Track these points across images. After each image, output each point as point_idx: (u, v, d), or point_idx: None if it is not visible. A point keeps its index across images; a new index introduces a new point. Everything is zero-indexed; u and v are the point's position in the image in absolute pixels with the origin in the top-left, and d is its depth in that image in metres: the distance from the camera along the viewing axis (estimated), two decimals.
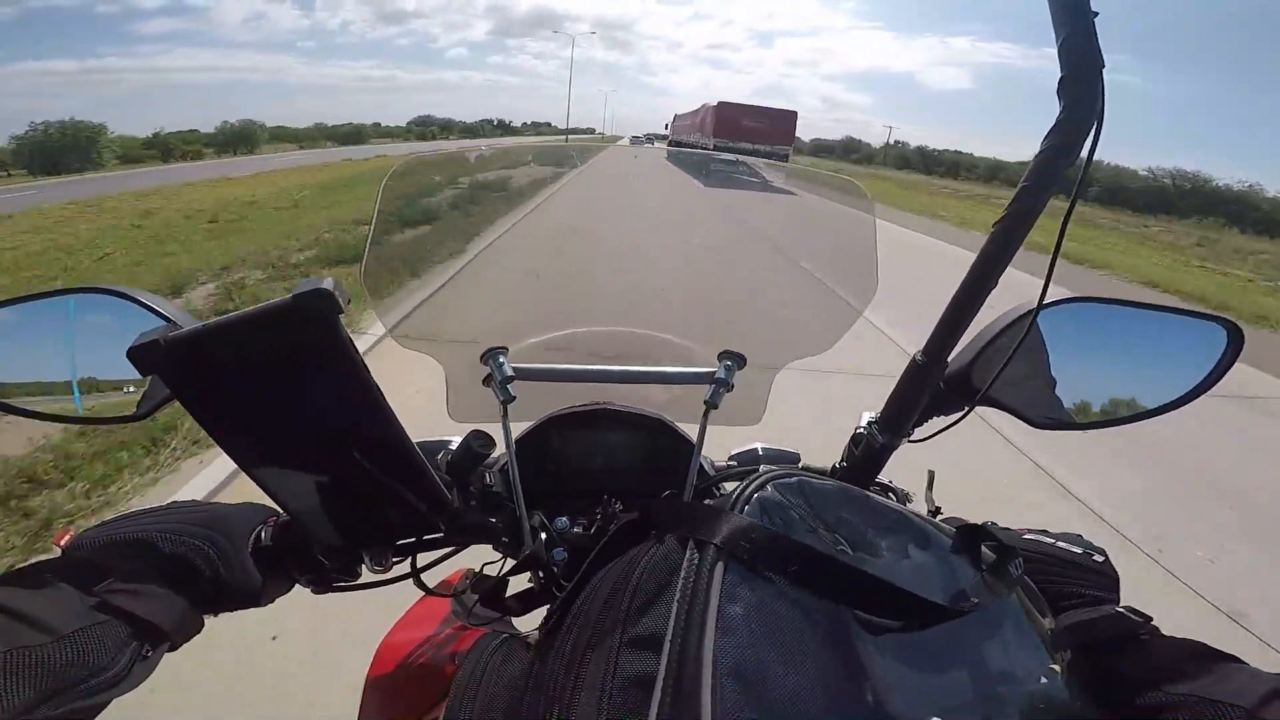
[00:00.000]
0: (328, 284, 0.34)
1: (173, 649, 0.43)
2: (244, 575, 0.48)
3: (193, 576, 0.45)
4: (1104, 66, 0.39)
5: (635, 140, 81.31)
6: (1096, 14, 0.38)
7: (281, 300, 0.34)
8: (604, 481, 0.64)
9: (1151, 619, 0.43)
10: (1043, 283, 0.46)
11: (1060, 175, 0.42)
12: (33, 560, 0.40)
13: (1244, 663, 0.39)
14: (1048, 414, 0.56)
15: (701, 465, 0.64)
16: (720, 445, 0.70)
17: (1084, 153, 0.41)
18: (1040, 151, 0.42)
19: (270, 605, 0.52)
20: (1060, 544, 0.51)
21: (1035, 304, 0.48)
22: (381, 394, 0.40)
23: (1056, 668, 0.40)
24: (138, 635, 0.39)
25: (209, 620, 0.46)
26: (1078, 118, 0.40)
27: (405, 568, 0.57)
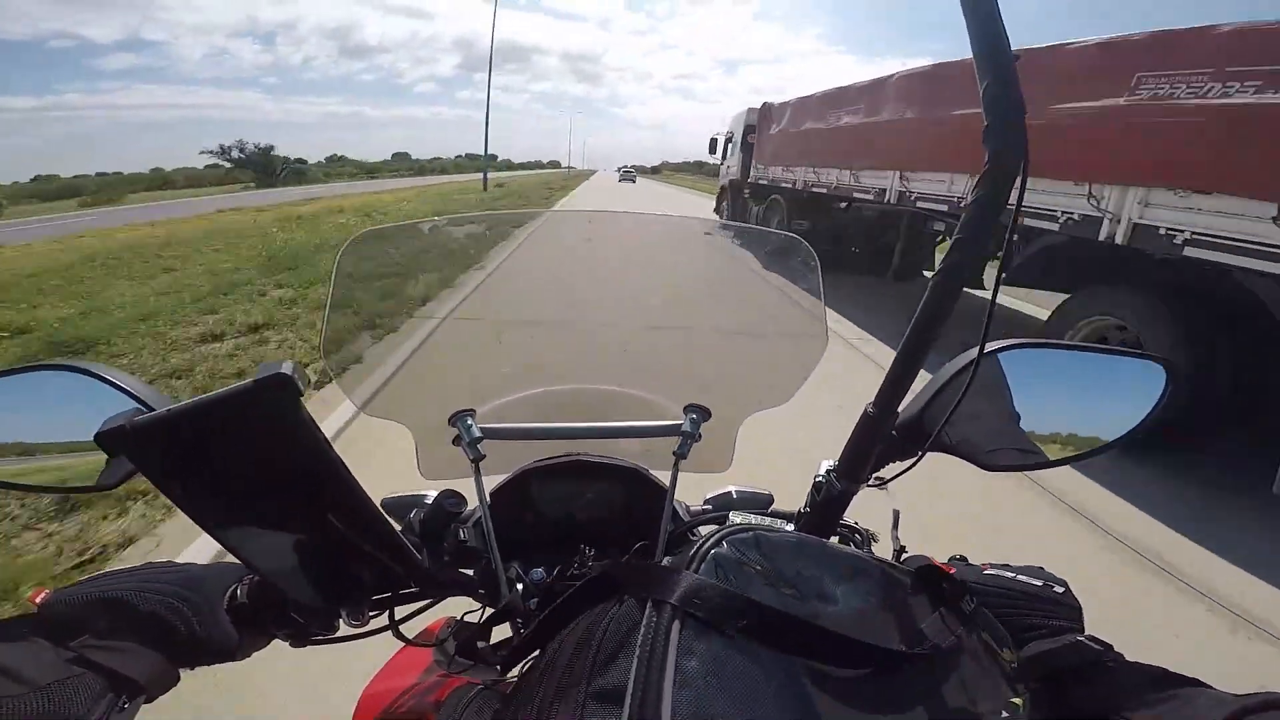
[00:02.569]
0: (286, 368, 0.36)
1: (149, 701, 0.43)
2: (219, 631, 0.49)
3: (168, 632, 0.46)
4: (1024, 111, 0.39)
5: (625, 174, 74.92)
6: (1018, 58, 0.39)
7: (242, 385, 0.35)
8: (579, 530, 0.65)
9: (1112, 646, 0.44)
10: (982, 331, 0.48)
11: (993, 223, 0.42)
12: (10, 617, 0.41)
13: (1207, 685, 0.39)
14: (997, 457, 0.58)
15: (676, 510, 0.65)
16: (695, 488, 0.72)
17: (1013, 197, 0.41)
18: (972, 202, 0.42)
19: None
20: (1021, 577, 0.52)
21: (977, 352, 0.50)
22: (345, 466, 0.41)
23: (1018, 701, 0.41)
24: (114, 688, 0.40)
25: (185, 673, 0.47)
26: (1005, 164, 0.40)
27: (384, 620, 0.58)
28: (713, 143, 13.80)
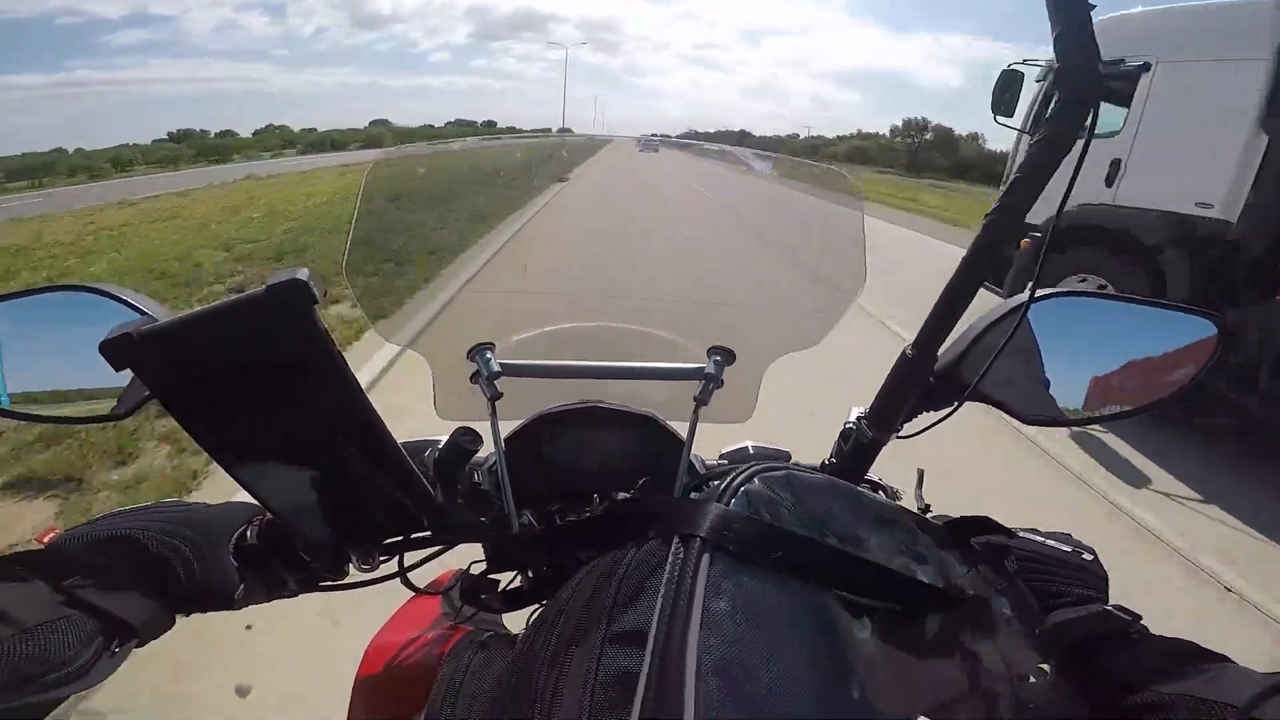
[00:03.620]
0: (302, 274, 0.34)
1: (140, 645, 0.43)
2: (221, 576, 0.48)
3: (165, 575, 0.45)
4: (1100, 58, 0.39)
5: (647, 143, 76.71)
6: (1094, 5, 0.39)
7: (255, 292, 0.33)
8: (593, 480, 0.64)
9: (1140, 617, 0.43)
10: (1034, 275, 0.46)
11: (1057, 165, 0.42)
12: (12, 553, 0.40)
13: (1234, 662, 0.39)
14: (1037, 409, 0.55)
15: (692, 463, 0.64)
16: (710, 444, 0.70)
17: (1080, 142, 0.41)
18: (1038, 140, 0.42)
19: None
20: (1050, 542, 0.50)
21: (1026, 298, 0.48)
22: (361, 389, 0.39)
23: (1045, 667, 0.39)
24: (105, 631, 0.39)
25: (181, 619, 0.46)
26: (1075, 107, 0.40)
27: (393, 566, 0.57)
28: (1006, 91, 4.52)
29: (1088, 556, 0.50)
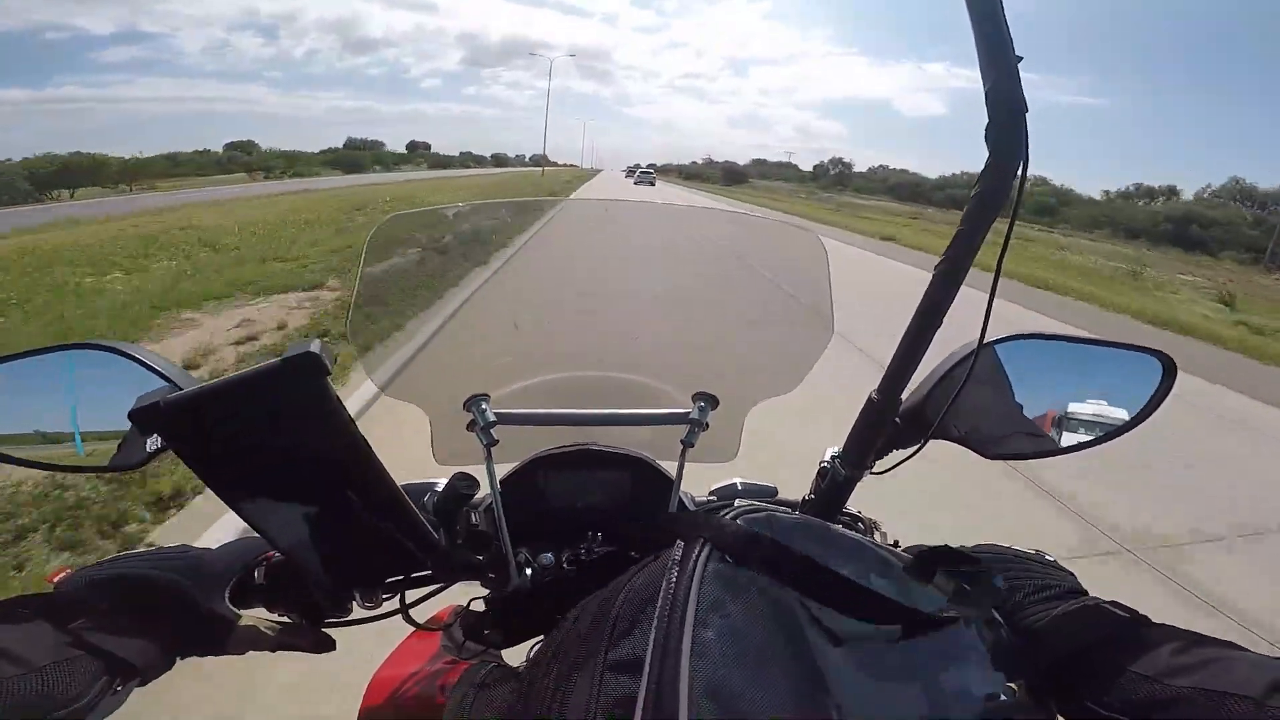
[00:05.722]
0: (315, 346, 0.37)
1: (142, 685, 0.45)
2: (218, 619, 0.50)
3: (167, 617, 0.47)
4: (1027, 111, 0.40)
5: (642, 175, 57.77)
6: (1020, 59, 0.40)
7: (272, 363, 0.37)
8: (587, 517, 0.66)
9: (1136, 611, 0.43)
10: (982, 322, 0.49)
11: (993, 218, 0.43)
12: (21, 595, 0.42)
13: (1244, 649, 0.38)
14: (998, 445, 0.59)
15: (681, 499, 0.67)
16: (701, 480, 0.73)
17: (1013, 194, 0.43)
18: (972, 197, 0.43)
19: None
20: (1015, 547, 0.53)
21: (977, 344, 0.51)
22: (369, 445, 0.42)
23: (1014, 686, 0.42)
24: (109, 671, 0.41)
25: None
26: (1005, 162, 0.41)
27: (395, 603, 0.59)
28: None
29: (1050, 558, 0.52)
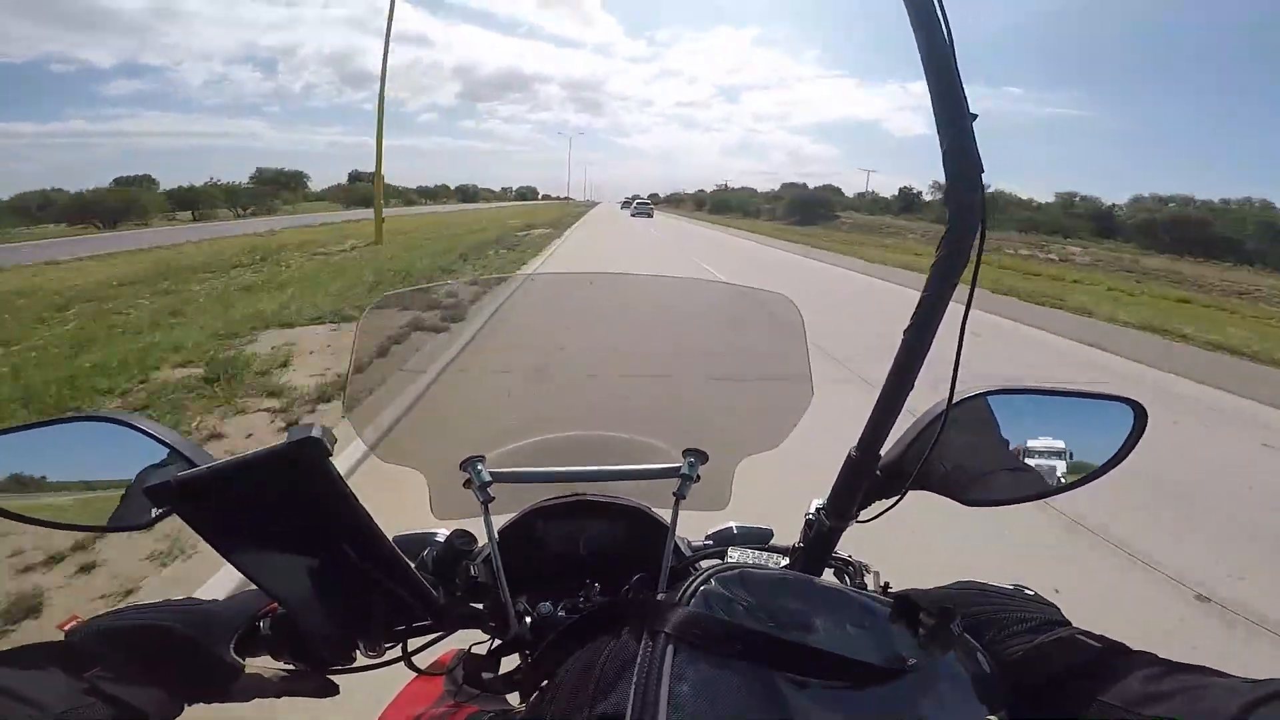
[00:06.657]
0: (316, 431, 0.40)
1: None
2: (225, 668, 0.53)
3: (176, 666, 0.50)
4: (983, 171, 0.40)
5: (639, 207, 55.99)
6: (975, 116, 0.39)
7: (277, 447, 0.39)
8: (585, 565, 0.68)
9: (1106, 637, 0.43)
10: (950, 382, 0.52)
11: (957, 279, 0.44)
12: (34, 643, 0.45)
13: (1221, 674, 0.38)
14: (975, 493, 0.61)
15: (678, 546, 0.69)
16: (697, 526, 0.76)
17: (973, 254, 0.43)
18: (936, 261, 0.44)
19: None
20: (993, 583, 0.54)
21: (947, 402, 0.54)
22: (368, 514, 0.45)
23: (994, 719, 0.42)
24: (120, 718, 0.43)
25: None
26: (966, 223, 0.42)
27: (398, 651, 0.61)
28: None
29: (1030, 592, 0.52)
